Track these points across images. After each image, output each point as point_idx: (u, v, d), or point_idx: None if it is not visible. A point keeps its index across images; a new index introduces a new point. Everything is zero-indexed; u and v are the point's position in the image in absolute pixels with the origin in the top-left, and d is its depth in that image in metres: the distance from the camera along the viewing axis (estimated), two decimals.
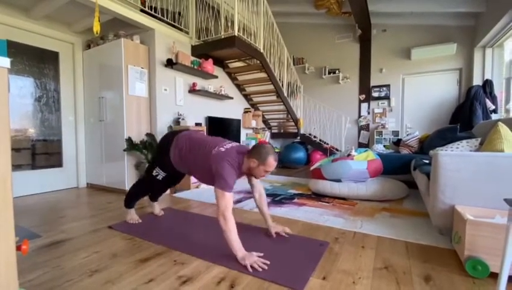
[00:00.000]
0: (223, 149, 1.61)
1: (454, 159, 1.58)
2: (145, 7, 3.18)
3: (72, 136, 3.53)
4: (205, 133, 3.55)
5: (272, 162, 1.53)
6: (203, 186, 3.41)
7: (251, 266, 1.34)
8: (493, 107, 4.19)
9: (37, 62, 3.19)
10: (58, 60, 3.37)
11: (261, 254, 1.47)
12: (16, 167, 3.00)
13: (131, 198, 2.08)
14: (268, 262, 1.40)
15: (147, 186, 2.04)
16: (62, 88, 3.40)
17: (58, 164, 3.40)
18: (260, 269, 1.33)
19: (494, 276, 1.24)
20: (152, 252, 1.55)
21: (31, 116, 3.14)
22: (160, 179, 1.91)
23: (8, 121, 0.78)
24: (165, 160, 1.82)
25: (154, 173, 1.90)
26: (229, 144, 1.68)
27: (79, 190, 3.40)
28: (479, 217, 1.45)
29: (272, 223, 1.82)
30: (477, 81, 4.47)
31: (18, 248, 0.83)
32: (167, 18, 3.46)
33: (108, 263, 1.43)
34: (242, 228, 1.93)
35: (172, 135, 1.86)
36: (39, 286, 1.21)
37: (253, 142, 4.85)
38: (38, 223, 2.08)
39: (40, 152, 3.23)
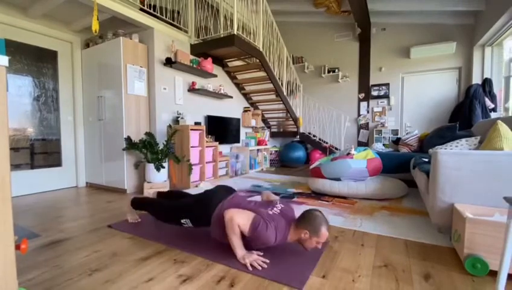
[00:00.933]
0: (270, 212, 1.48)
1: (454, 158, 1.58)
2: (144, 6, 3.17)
3: (71, 136, 3.52)
4: (204, 134, 3.55)
5: (325, 233, 1.38)
6: (203, 185, 3.41)
7: (251, 265, 1.35)
8: (492, 105, 4.19)
9: (35, 61, 3.17)
10: (56, 59, 3.35)
11: (261, 253, 1.47)
12: (15, 166, 2.99)
13: (140, 200, 1.99)
14: (267, 261, 1.40)
15: (163, 218, 1.78)
16: (61, 87, 3.39)
17: (57, 163, 3.39)
18: (260, 268, 1.34)
19: (494, 274, 1.25)
20: (152, 251, 1.55)
21: (29, 115, 3.13)
22: (188, 225, 1.67)
23: (7, 120, 0.77)
24: (202, 220, 1.61)
25: (182, 221, 1.66)
26: (274, 209, 1.53)
27: (78, 189, 3.40)
28: (478, 215, 1.45)
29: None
30: (476, 79, 4.48)
31: (17, 247, 0.82)
32: (166, 17, 3.45)
33: (108, 262, 1.43)
34: None
35: (218, 197, 1.65)
36: (39, 285, 1.20)
37: (252, 142, 4.85)
38: (37, 223, 2.07)
39: (39, 151, 3.22)
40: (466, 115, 4.24)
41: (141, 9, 3.15)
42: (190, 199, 1.77)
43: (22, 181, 3.02)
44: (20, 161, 3.04)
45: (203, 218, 1.59)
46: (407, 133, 3.97)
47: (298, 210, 2.34)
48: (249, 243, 1.43)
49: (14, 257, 0.79)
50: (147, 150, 3.05)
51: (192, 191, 3.15)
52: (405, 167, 3.30)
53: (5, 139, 0.77)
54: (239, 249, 1.42)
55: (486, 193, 1.51)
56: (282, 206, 1.60)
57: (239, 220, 1.38)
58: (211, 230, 1.58)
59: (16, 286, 0.80)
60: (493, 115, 4.23)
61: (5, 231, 0.77)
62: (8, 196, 0.78)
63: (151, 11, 3.24)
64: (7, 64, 0.77)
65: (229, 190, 1.77)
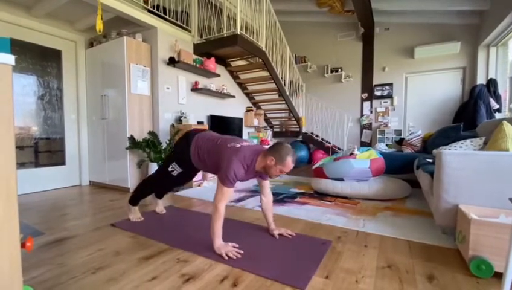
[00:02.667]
0: (238, 145, 1.61)
1: (459, 158, 1.57)
2: (147, 5, 3.18)
3: (75, 134, 3.54)
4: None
5: (290, 163, 1.52)
6: (205, 184, 3.41)
7: (227, 255, 1.44)
8: (497, 106, 4.16)
9: (40, 60, 3.20)
10: (61, 58, 3.37)
11: (237, 245, 1.56)
12: (20, 165, 3.02)
13: (138, 194, 2.08)
14: (242, 252, 1.50)
15: (158, 183, 2.05)
16: (65, 86, 3.41)
17: (61, 162, 3.41)
18: (235, 257, 1.44)
19: (498, 276, 1.23)
20: (155, 250, 1.56)
21: (34, 114, 3.16)
22: (175, 175, 1.90)
23: (13, 119, 0.78)
24: (184, 156, 1.82)
25: (169, 169, 1.88)
26: (246, 143, 1.69)
27: (81, 187, 3.42)
28: (483, 216, 1.44)
29: (274, 226, 1.80)
30: (481, 80, 4.44)
31: (22, 245, 0.83)
32: (169, 16, 3.46)
33: (111, 260, 1.43)
34: (244, 226, 1.94)
35: (194, 133, 1.87)
36: (43, 283, 1.21)
37: (255, 141, 4.85)
38: (41, 221, 2.09)
39: (43, 150, 3.25)
40: (470, 116, 4.20)
41: (147, 10, 3.16)
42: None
43: (26, 179, 3.04)
44: (25, 160, 3.07)
45: (184, 154, 1.80)
46: (410, 134, 3.95)
47: (300, 211, 2.35)
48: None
49: (20, 255, 0.79)
50: (150, 149, 3.06)
51: (195, 190, 3.16)
52: (408, 168, 3.28)
53: (11, 138, 0.78)
54: (217, 239, 1.52)
55: (491, 194, 1.50)
56: (251, 143, 1.73)
57: (222, 201, 1.53)
58: (195, 164, 1.81)
59: (21, 283, 0.81)
60: (498, 115, 4.19)
61: (11, 229, 0.77)
62: (14, 194, 0.78)
63: (155, 10, 3.25)
64: (13, 63, 0.77)
65: (198, 131, 1.92)
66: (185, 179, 2.15)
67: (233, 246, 1.53)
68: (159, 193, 2.29)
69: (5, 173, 0.76)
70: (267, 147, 1.65)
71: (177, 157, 1.88)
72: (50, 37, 3.25)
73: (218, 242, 1.52)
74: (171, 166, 1.88)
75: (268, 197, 1.82)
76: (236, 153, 1.55)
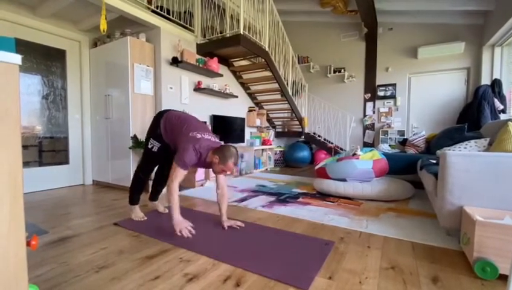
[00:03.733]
0: (198, 136, 1.79)
1: (463, 159, 1.56)
2: (151, 5, 3.19)
3: (79, 134, 3.56)
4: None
5: (230, 165, 1.73)
6: (208, 184, 3.42)
7: (180, 231, 1.64)
8: (502, 107, 4.12)
9: (44, 60, 3.22)
10: (65, 58, 3.39)
11: (192, 225, 1.73)
12: (24, 163, 3.04)
13: (133, 191, 2.12)
14: (194, 232, 1.69)
15: (145, 168, 2.09)
16: (69, 86, 3.44)
17: (65, 161, 3.43)
18: (186, 236, 1.64)
19: (504, 278, 1.23)
20: (158, 250, 1.56)
21: (38, 113, 3.18)
22: (156, 150, 1.98)
23: (19, 118, 0.79)
24: (157, 130, 1.97)
25: (149, 146, 2.00)
26: (208, 135, 1.86)
27: (85, 187, 3.44)
28: (488, 218, 1.43)
29: (225, 218, 1.94)
30: (485, 80, 4.41)
31: (28, 244, 0.83)
32: (173, 17, 3.47)
33: (114, 259, 1.44)
34: (246, 226, 1.94)
35: (164, 111, 2.04)
36: (47, 282, 1.22)
37: (257, 141, 4.85)
38: (45, 219, 2.10)
39: (47, 149, 3.27)
40: (474, 116, 4.17)
41: (151, 10, 3.18)
42: None
43: (31, 178, 3.06)
44: (29, 159, 3.09)
45: (157, 129, 1.95)
46: (413, 134, 3.93)
47: (303, 211, 2.34)
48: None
49: (25, 253, 0.80)
50: None
51: (197, 190, 3.17)
52: (412, 168, 3.26)
53: (18, 137, 0.78)
54: (176, 213, 1.69)
55: (496, 195, 1.49)
56: (212, 137, 1.90)
57: (176, 180, 1.69)
58: (165, 139, 1.95)
59: (26, 282, 0.82)
60: (502, 116, 4.15)
61: (17, 227, 0.78)
62: (20, 193, 0.79)
63: (158, 10, 3.26)
64: (20, 62, 0.78)
65: (169, 110, 2.07)
66: (166, 157, 2.13)
67: (191, 226, 1.71)
68: (150, 195, 2.33)
69: (11, 171, 0.76)
70: (220, 144, 1.84)
71: (152, 133, 2.00)
72: (54, 37, 3.27)
73: (177, 217, 1.69)
74: (149, 143, 2.00)
75: (222, 190, 1.95)
76: (194, 143, 1.73)
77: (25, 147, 3.05)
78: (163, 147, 1.99)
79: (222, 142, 1.91)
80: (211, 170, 3.45)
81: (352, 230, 1.89)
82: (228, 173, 1.79)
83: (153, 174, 2.26)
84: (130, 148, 3.09)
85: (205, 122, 3.78)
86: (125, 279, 1.24)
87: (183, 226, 1.68)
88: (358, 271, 1.33)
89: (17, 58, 0.76)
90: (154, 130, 1.99)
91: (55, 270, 1.32)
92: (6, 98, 0.75)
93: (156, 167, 2.24)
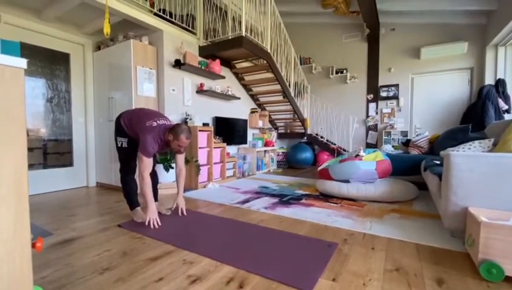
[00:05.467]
0: (154, 124, 1.97)
1: (467, 160, 1.55)
2: (153, 8, 3.22)
3: (82, 136, 3.59)
4: (212, 135, 3.57)
5: (182, 139, 1.94)
6: (210, 186, 3.42)
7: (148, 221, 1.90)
8: (506, 106, 4.09)
9: (48, 63, 3.25)
10: (69, 61, 3.43)
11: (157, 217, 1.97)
12: (29, 166, 3.07)
13: (127, 194, 2.17)
14: (159, 223, 1.95)
15: (126, 167, 2.18)
16: (73, 89, 3.47)
17: (69, 163, 3.46)
18: (152, 226, 1.90)
19: (509, 280, 1.21)
20: (161, 251, 1.56)
21: (42, 116, 3.21)
22: (127, 146, 2.11)
23: (25, 121, 0.80)
24: (119, 130, 2.12)
25: (119, 145, 2.13)
26: (163, 120, 2.05)
27: (89, 188, 3.46)
28: (493, 219, 1.42)
29: (181, 197, 2.24)
30: (489, 80, 4.37)
31: (33, 246, 0.84)
32: (175, 20, 3.49)
33: (118, 261, 1.44)
34: (249, 227, 1.94)
35: (122, 113, 2.19)
36: (52, 283, 1.23)
37: (260, 143, 4.85)
38: (49, 221, 2.12)
39: (52, 152, 3.30)
40: (478, 117, 4.14)
41: (155, 14, 3.20)
42: None
43: (35, 180, 3.09)
44: (34, 161, 3.12)
45: (120, 127, 2.09)
46: (417, 135, 3.91)
47: (306, 212, 2.34)
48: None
49: (31, 255, 0.81)
50: None
51: (200, 191, 3.17)
52: (415, 169, 3.24)
53: (24, 140, 0.79)
54: (150, 203, 1.92)
55: (501, 196, 1.47)
56: (167, 121, 2.09)
57: (146, 170, 1.90)
58: (129, 134, 2.09)
59: (32, 283, 0.82)
60: (507, 116, 4.12)
61: (22, 229, 0.79)
62: (26, 195, 0.79)
63: (161, 13, 3.29)
64: (25, 66, 0.79)
65: (122, 112, 2.21)
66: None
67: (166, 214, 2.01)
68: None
69: (17, 174, 0.77)
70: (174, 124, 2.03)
71: (117, 133, 2.14)
72: (59, 41, 3.31)
73: (151, 206, 1.93)
74: (118, 142, 2.13)
75: (181, 170, 2.23)
76: (151, 132, 1.92)
77: (30, 149, 3.08)
78: (130, 141, 2.12)
79: (171, 124, 2.12)
80: (211, 172, 3.47)
81: (355, 231, 1.88)
82: (183, 147, 2.02)
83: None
84: None
85: (207, 124, 3.78)
86: (129, 281, 1.25)
87: (153, 217, 1.92)
88: (362, 273, 1.32)
89: (22, 63, 0.78)
90: (118, 130, 2.13)
91: (59, 272, 1.33)
92: (12, 101, 0.76)
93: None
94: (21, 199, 0.78)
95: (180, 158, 2.22)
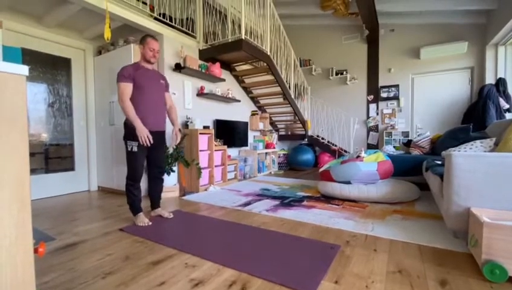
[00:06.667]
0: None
1: (469, 160, 1.54)
2: (153, 13, 3.24)
3: (84, 141, 3.60)
4: (213, 138, 3.57)
5: (150, 40, 2.08)
6: (212, 188, 3.42)
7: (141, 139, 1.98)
8: (507, 106, 4.08)
9: (50, 69, 3.28)
10: (70, 66, 3.45)
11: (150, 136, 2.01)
12: (31, 170, 3.06)
13: (131, 200, 2.15)
14: (152, 141, 2.02)
15: (133, 172, 2.13)
16: (74, 93, 3.49)
17: (71, 167, 3.47)
18: (144, 145, 2.01)
19: None
20: (163, 255, 1.56)
21: (44, 121, 3.23)
22: (136, 150, 2.08)
23: (27, 127, 0.80)
24: (128, 132, 2.09)
25: (129, 148, 2.10)
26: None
27: (90, 193, 3.47)
28: (496, 219, 1.41)
29: (177, 132, 2.31)
30: (489, 79, 4.37)
31: (35, 251, 0.84)
32: (175, 24, 3.51)
33: (121, 265, 1.44)
34: (251, 230, 1.94)
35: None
36: (54, 288, 1.23)
37: (260, 145, 4.85)
38: (52, 226, 2.12)
39: (53, 156, 3.31)
40: (480, 116, 4.13)
41: (155, 18, 3.22)
42: None
43: (37, 185, 3.10)
44: (36, 166, 3.13)
45: (128, 128, 2.08)
46: (418, 135, 3.90)
47: (307, 214, 2.33)
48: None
49: (33, 260, 0.81)
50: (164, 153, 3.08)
51: (201, 195, 3.17)
52: (417, 170, 3.23)
53: (26, 145, 0.80)
54: (137, 121, 1.97)
55: (503, 196, 1.47)
56: None
57: (124, 96, 1.99)
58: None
59: (34, 289, 0.82)
60: (508, 115, 4.11)
61: (24, 234, 0.79)
62: (28, 200, 0.80)
63: (161, 18, 3.31)
64: (27, 73, 0.80)
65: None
66: (148, 157, 2.24)
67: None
68: (152, 200, 2.35)
69: (19, 179, 0.78)
70: None
71: (126, 135, 2.10)
72: (60, 46, 3.33)
73: (139, 125, 1.98)
74: (128, 146, 2.10)
75: (170, 105, 2.35)
76: (120, 69, 2.04)
77: (31, 154, 3.09)
78: (140, 145, 2.06)
79: None
80: (212, 174, 3.46)
81: (358, 233, 1.88)
82: (155, 50, 2.10)
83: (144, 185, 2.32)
84: None
85: (208, 127, 3.79)
86: (131, 285, 1.25)
87: (145, 133, 1.98)
88: (364, 275, 1.31)
89: (24, 70, 0.78)
90: (126, 132, 2.10)
91: (62, 276, 1.33)
92: (14, 107, 0.77)
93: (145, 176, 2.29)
94: (23, 204, 0.79)
95: (168, 96, 2.32)
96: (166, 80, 2.33)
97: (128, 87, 2.00)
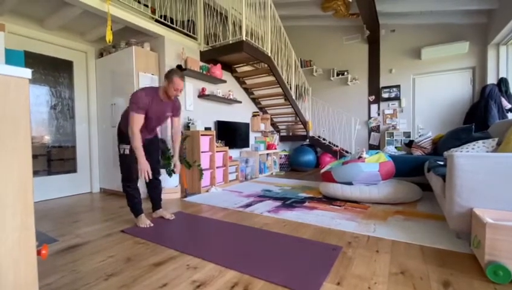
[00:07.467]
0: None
1: (471, 160, 1.54)
2: (155, 15, 3.25)
3: (86, 142, 3.62)
4: (215, 139, 3.58)
5: (177, 79, 1.95)
6: (213, 190, 3.42)
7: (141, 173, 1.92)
8: (509, 106, 4.06)
9: (52, 71, 3.30)
10: (72, 68, 3.47)
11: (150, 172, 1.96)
12: (33, 172, 3.09)
13: (131, 203, 2.15)
14: (151, 176, 1.97)
15: (128, 174, 2.14)
16: (76, 96, 3.51)
17: (73, 169, 3.48)
18: (144, 178, 1.93)
19: None
20: (165, 256, 1.57)
21: (47, 123, 3.24)
22: (128, 153, 2.08)
23: (30, 130, 0.81)
24: (120, 136, 2.14)
25: (121, 152, 2.11)
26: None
27: (92, 194, 3.48)
28: (499, 220, 1.40)
29: (176, 159, 2.26)
30: (491, 79, 4.35)
31: (38, 253, 0.85)
32: (176, 25, 3.53)
33: (123, 267, 1.45)
34: (253, 231, 1.94)
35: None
36: None
37: (262, 146, 4.86)
38: (54, 228, 2.13)
39: (56, 158, 3.32)
40: (482, 116, 4.12)
41: (156, 20, 3.24)
42: None
43: (40, 187, 3.11)
44: (38, 168, 3.14)
45: (121, 132, 2.11)
46: (420, 136, 3.89)
47: (309, 216, 2.33)
48: None
49: (36, 262, 0.81)
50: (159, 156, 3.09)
51: (203, 196, 3.18)
52: (419, 170, 3.22)
53: (28, 148, 0.80)
54: (141, 157, 1.92)
55: (506, 196, 1.46)
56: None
57: (135, 126, 1.91)
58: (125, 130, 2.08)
59: None
60: (510, 115, 4.09)
61: (27, 236, 0.79)
62: (31, 202, 0.80)
63: (162, 20, 3.33)
64: (30, 76, 0.80)
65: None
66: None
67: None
68: (152, 203, 2.36)
69: (22, 181, 0.78)
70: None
71: (119, 138, 2.13)
72: (62, 49, 3.35)
73: (143, 160, 1.93)
74: (120, 149, 2.12)
75: (176, 129, 2.28)
76: (135, 94, 1.93)
77: (34, 156, 3.11)
78: (131, 147, 2.07)
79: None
80: (213, 176, 3.46)
81: (360, 234, 1.87)
82: (179, 90, 1.99)
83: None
84: None
85: (209, 128, 3.80)
86: (133, 287, 1.25)
87: (146, 168, 1.92)
88: (367, 276, 1.31)
89: (27, 73, 0.79)
90: (119, 136, 2.14)
91: (65, 278, 1.34)
92: (17, 110, 0.78)
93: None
94: (26, 206, 0.79)
95: (175, 121, 2.26)
96: (180, 109, 2.27)
97: (140, 119, 1.94)
